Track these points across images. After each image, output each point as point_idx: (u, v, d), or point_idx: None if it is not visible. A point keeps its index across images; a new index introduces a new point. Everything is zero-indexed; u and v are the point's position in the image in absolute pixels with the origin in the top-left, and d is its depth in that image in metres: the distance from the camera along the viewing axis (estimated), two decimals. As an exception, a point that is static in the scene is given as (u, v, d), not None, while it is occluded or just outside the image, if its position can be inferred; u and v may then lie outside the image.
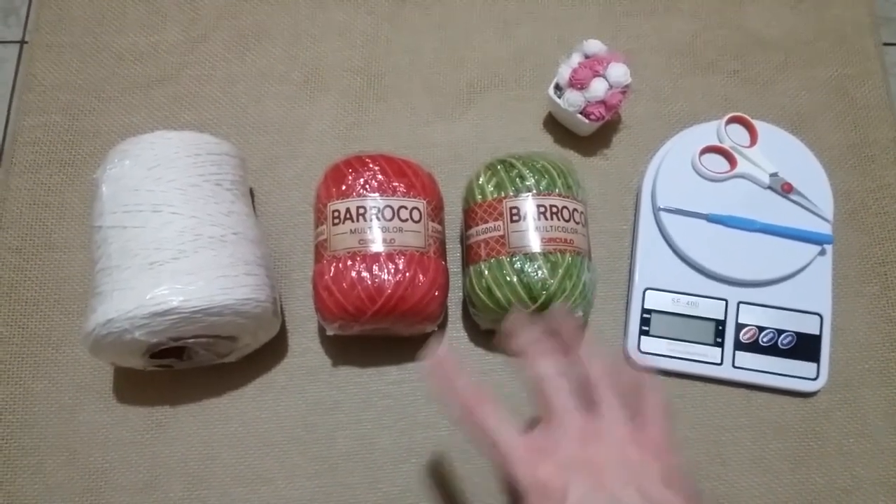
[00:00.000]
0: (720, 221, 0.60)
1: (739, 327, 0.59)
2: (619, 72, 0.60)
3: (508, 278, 0.52)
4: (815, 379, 0.58)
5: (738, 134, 0.63)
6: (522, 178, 0.55)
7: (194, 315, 0.48)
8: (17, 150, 0.66)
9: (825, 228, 0.60)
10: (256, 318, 0.52)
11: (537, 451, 0.36)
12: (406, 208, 0.54)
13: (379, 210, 0.53)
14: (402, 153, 0.58)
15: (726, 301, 0.59)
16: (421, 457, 0.58)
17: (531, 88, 0.69)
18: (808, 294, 0.60)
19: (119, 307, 0.48)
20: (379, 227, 0.53)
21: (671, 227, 0.60)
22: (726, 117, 0.62)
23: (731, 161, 0.61)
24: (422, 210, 0.54)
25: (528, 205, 0.54)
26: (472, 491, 0.57)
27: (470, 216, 0.57)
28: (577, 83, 0.61)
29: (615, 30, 0.71)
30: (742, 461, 0.58)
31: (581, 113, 0.62)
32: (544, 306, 0.52)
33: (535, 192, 0.54)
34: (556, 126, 0.68)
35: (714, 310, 0.59)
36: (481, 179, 0.57)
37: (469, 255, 0.57)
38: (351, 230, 0.53)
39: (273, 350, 0.60)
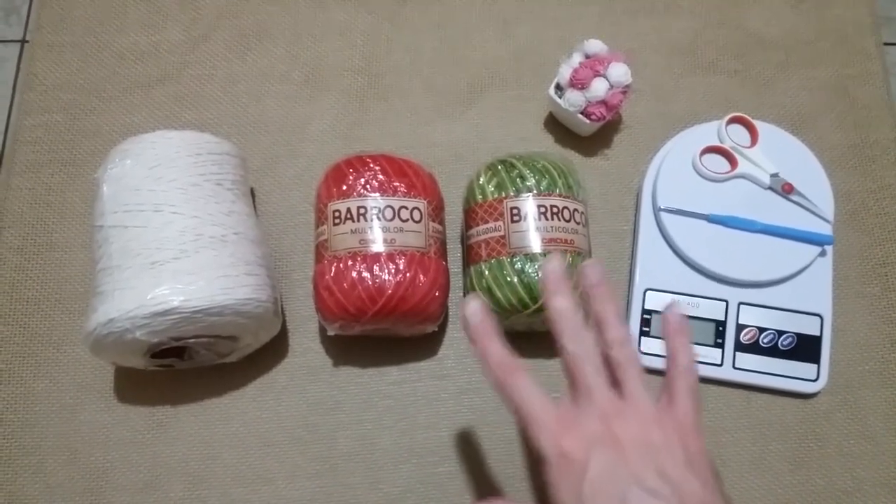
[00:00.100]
0: (721, 222, 0.60)
1: (740, 328, 0.59)
2: (619, 72, 0.60)
3: (509, 279, 0.52)
4: (815, 380, 0.58)
5: (739, 134, 0.63)
6: (523, 178, 0.55)
7: (195, 315, 0.48)
8: (18, 149, 0.66)
9: (826, 229, 0.60)
10: (257, 318, 0.52)
11: (563, 423, 0.37)
12: (407, 208, 0.54)
13: (379, 210, 0.53)
14: (403, 153, 0.58)
15: (726, 302, 0.59)
16: (421, 457, 0.58)
17: (532, 88, 0.69)
18: (809, 295, 0.60)
19: (120, 307, 0.48)
20: (379, 227, 0.53)
21: (672, 228, 0.60)
22: (727, 117, 0.62)
23: (732, 161, 0.61)
24: (422, 210, 0.54)
25: (529, 205, 0.54)
26: (472, 491, 0.57)
27: (470, 216, 0.57)
28: (578, 83, 0.61)
29: (616, 29, 0.71)
30: (742, 462, 0.58)
31: (582, 113, 0.62)
32: (544, 307, 0.52)
33: (535, 192, 0.54)
34: (556, 126, 0.68)
35: (714, 311, 0.59)
36: (482, 179, 0.57)
37: (469, 256, 0.57)
38: (352, 230, 0.53)
39: (274, 350, 0.60)
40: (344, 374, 0.60)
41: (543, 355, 0.59)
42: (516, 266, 0.52)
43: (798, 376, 0.58)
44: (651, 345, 0.58)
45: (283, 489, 0.57)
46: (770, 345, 0.58)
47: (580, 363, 0.38)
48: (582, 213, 0.56)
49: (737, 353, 0.58)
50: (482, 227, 0.55)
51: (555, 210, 0.54)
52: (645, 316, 0.59)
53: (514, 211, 0.54)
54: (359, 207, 0.53)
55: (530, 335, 0.56)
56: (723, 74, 0.70)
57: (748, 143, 0.62)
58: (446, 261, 0.57)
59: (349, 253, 0.52)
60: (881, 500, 0.57)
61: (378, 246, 0.52)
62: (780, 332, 0.59)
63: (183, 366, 0.56)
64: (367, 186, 0.54)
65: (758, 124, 0.62)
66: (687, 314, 0.58)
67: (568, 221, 0.54)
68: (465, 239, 0.59)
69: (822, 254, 0.60)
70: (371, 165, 0.55)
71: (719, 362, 0.58)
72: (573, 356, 0.39)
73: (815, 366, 0.58)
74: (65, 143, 0.66)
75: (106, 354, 0.52)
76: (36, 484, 0.57)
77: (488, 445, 0.58)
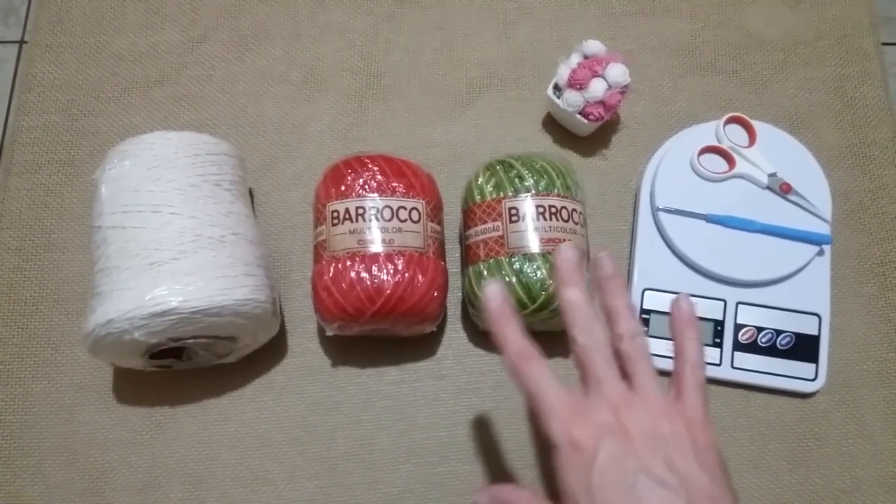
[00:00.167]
0: (719, 222, 0.60)
1: (738, 328, 0.59)
2: (617, 72, 0.60)
3: (507, 279, 0.52)
4: (813, 379, 0.58)
5: (737, 134, 0.63)
6: (521, 178, 0.55)
7: (193, 315, 0.48)
8: (16, 150, 0.66)
9: (824, 229, 0.60)
10: (256, 318, 0.52)
11: (575, 412, 0.37)
12: (405, 209, 0.54)
13: (378, 210, 0.53)
14: (402, 153, 0.58)
15: (725, 301, 0.59)
16: (420, 457, 0.58)
17: (530, 89, 0.69)
18: (807, 294, 0.60)
19: (118, 308, 0.48)
20: (378, 228, 0.53)
21: (670, 228, 0.60)
22: (725, 117, 0.62)
23: (730, 161, 0.61)
24: (421, 210, 0.54)
25: (527, 205, 0.54)
26: (471, 491, 0.57)
27: (469, 216, 0.57)
28: (576, 83, 0.61)
29: (614, 30, 0.71)
30: (741, 462, 0.58)
31: (580, 113, 0.62)
32: (543, 307, 0.52)
33: (533, 192, 0.54)
34: (555, 126, 0.68)
35: (713, 310, 0.59)
36: (480, 180, 0.57)
37: (468, 256, 0.57)
38: (350, 230, 0.53)
39: (272, 350, 0.60)
40: (342, 374, 0.60)
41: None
42: (514, 266, 0.52)
43: (796, 376, 0.58)
44: (650, 345, 0.58)
45: (282, 489, 0.57)
46: (768, 344, 0.58)
47: (590, 354, 0.39)
48: (580, 213, 0.56)
49: (735, 353, 0.58)
50: (480, 227, 0.55)
51: (553, 210, 0.54)
52: (643, 316, 0.59)
53: (513, 211, 0.54)
54: (357, 208, 0.53)
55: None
56: (721, 75, 0.70)
57: (746, 143, 0.62)
58: (445, 261, 0.57)
59: (348, 253, 0.52)
60: (880, 499, 0.57)
61: (376, 246, 0.52)
62: (779, 332, 0.59)
63: (181, 366, 0.56)
64: (366, 187, 0.54)
65: (756, 124, 0.62)
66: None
67: (566, 221, 0.54)
68: (463, 239, 0.59)
69: (820, 253, 0.60)
70: (369, 166, 0.55)
71: (718, 362, 0.58)
72: (583, 347, 0.39)
73: (814, 365, 0.58)
74: (63, 144, 0.66)
75: (104, 355, 0.52)
76: (35, 485, 0.57)
77: (488, 445, 0.58)
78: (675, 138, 0.64)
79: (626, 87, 0.61)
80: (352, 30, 0.71)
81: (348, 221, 0.53)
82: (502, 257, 0.53)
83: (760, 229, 0.59)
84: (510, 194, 0.54)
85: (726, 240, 0.59)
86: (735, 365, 0.58)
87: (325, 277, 0.52)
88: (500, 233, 0.54)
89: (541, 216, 0.53)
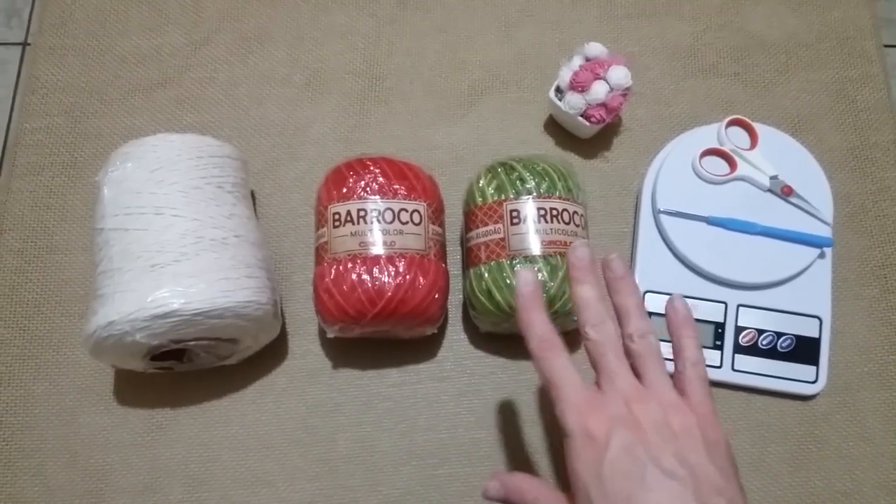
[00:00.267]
0: (720, 224, 0.60)
1: (739, 330, 0.59)
2: (619, 74, 0.60)
3: (508, 281, 0.52)
4: (814, 382, 0.58)
5: (739, 136, 0.63)
6: (523, 180, 0.55)
7: (195, 317, 0.48)
8: (19, 152, 0.66)
9: (825, 231, 0.60)
10: (257, 320, 0.52)
11: (589, 404, 0.38)
12: (407, 211, 0.54)
13: (379, 212, 0.53)
14: (403, 156, 0.58)
15: (726, 304, 0.59)
16: (421, 459, 0.58)
17: (532, 91, 0.69)
18: (808, 297, 0.60)
19: (120, 309, 0.48)
20: (379, 230, 0.53)
21: (671, 230, 0.60)
22: (726, 120, 0.62)
23: (732, 164, 0.61)
24: (422, 213, 0.54)
25: (529, 207, 0.54)
26: (471, 492, 0.57)
27: (470, 219, 0.57)
28: (578, 86, 0.61)
29: (616, 32, 0.71)
30: (741, 464, 0.57)
31: (582, 115, 0.62)
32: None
33: (535, 194, 0.54)
34: (556, 128, 0.68)
35: (713, 312, 0.59)
36: (482, 182, 0.57)
37: (469, 258, 0.57)
38: (351, 233, 0.53)
39: (273, 352, 0.60)
40: (343, 376, 0.60)
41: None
42: (516, 268, 0.52)
43: (797, 378, 0.58)
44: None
45: (282, 491, 0.57)
46: (769, 347, 0.58)
47: (603, 350, 0.40)
48: (581, 215, 0.56)
49: (736, 356, 0.58)
50: (482, 229, 0.55)
51: (554, 212, 0.54)
52: (644, 318, 0.59)
53: (514, 213, 0.54)
54: (359, 210, 0.53)
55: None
56: (723, 77, 0.70)
57: (748, 146, 0.62)
58: (446, 263, 0.57)
59: (349, 255, 0.52)
60: (880, 501, 0.57)
61: (378, 248, 0.52)
62: (780, 334, 0.59)
63: (182, 368, 0.56)
64: (368, 189, 0.54)
65: (757, 127, 0.62)
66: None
67: (567, 224, 0.54)
68: (464, 241, 0.59)
69: (822, 256, 0.60)
70: (371, 168, 0.55)
71: (718, 364, 0.58)
72: (595, 343, 0.40)
73: (814, 368, 0.58)
74: (66, 146, 0.66)
75: (106, 357, 0.52)
76: (35, 486, 0.57)
77: (488, 447, 0.58)
78: (677, 141, 0.64)
79: (627, 89, 0.61)
80: (354, 32, 0.71)
81: (350, 223, 0.53)
82: (503, 259, 0.53)
83: (762, 232, 0.59)
84: (511, 196, 0.55)
85: (727, 242, 0.59)
86: (736, 367, 0.58)
87: (327, 279, 0.52)
88: (501, 235, 0.54)
89: (542, 218, 0.53)
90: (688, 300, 0.58)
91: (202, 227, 0.51)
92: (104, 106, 0.68)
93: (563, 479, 0.40)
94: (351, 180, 0.55)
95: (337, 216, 0.54)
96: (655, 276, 0.60)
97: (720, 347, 0.58)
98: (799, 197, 0.60)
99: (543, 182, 0.55)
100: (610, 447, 0.36)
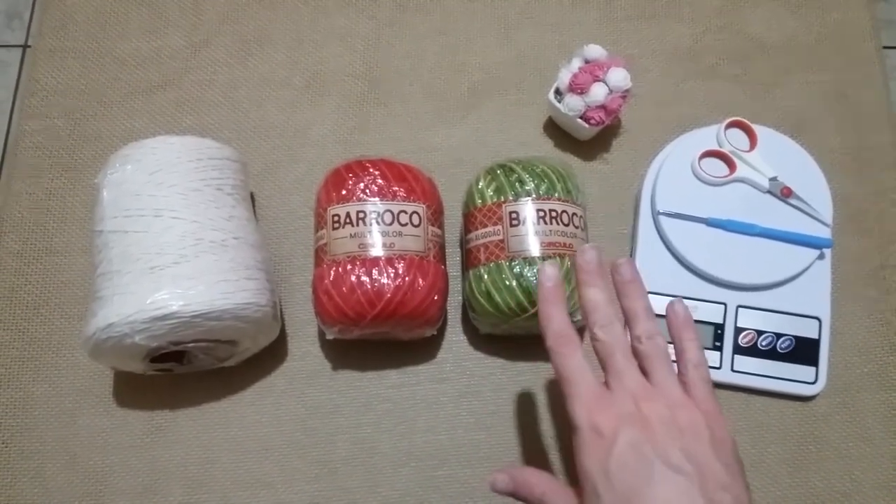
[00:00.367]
0: (719, 225, 0.60)
1: (738, 331, 0.59)
2: (619, 76, 0.61)
3: (508, 283, 0.52)
4: (813, 383, 0.58)
5: (738, 138, 0.63)
6: (522, 182, 0.55)
7: (194, 319, 0.48)
8: (18, 154, 0.66)
9: (824, 232, 0.60)
10: (256, 322, 0.52)
11: (599, 400, 0.39)
12: (406, 213, 0.54)
13: (379, 214, 0.53)
14: (403, 157, 0.58)
15: (725, 305, 0.59)
16: (420, 460, 0.58)
17: (531, 93, 0.69)
18: (807, 298, 0.60)
19: (119, 311, 0.48)
20: (379, 232, 0.53)
21: (670, 231, 0.60)
22: (726, 121, 0.62)
23: (731, 165, 0.62)
24: (422, 214, 0.55)
25: (528, 209, 0.54)
26: (471, 493, 0.57)
27: (469, 220, 0.57)
28: (578, 88, 0.61)
29: (615, 34, 0.72)
30: (742, 465, 0.58)
31: (581, 117, 0.62)
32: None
33: (534, 196, 0.54)
34: (556, 130, 0.68)
35: (713, 313, 0.59)
36: (481, 184, 0.57)
37: (468, 260, 0.57)
38: (351, 234, 0.53)
39: (273, 354, 0.60)
40: (343, 377, 0.60)
41: (542, 358, 0.59)
42: (515, 270, 0.52)
43: (796, 379, 0.58)
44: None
45: (281, 493, 0.57)
46: (769, 348, 0.58)
47: (611, 350, 0.41)
48: (581, 217, 0.56)
49: (735, 356, 0.58)
50: (481, 231, 0.55)
51: (554, 214, 0.54)
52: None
53: (513, 215, 0.54)
54: (358, 212, 0.53)
55: (529, 338, 0.56)
56: (722, 79, 0.70)
57: (747, 147, 0.62)
58: (445, 265, 0.57)
59: (348, 257, 0.52)
60: (879, 502, 0.57)
61: (377, 250, 0.52)
62: (779, 335, 0.59)
63: (182, 370, 0.56)
64: (367, 191, 0.54)
65: (756, 128, 0.62)
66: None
67: (567, 225, 0.54)
68: (464, 243, 0.59)
69: (821, 257, 0.60)
70: (371, 170, 0.55)
71: (718, 365, 0.58)
72: (604, 344, 0.41)
73: (814, 369, 0.58)
74: (66, 148, 0.66)
75: (105, 359, 0.52)
76: (35, 488, 0.57)
77: (487, 448, 0.58)
78: (676, 142, 0.64)
79: (627, 91, 0.61)
80: (354, 34, 0.71)
81: (349, 225, 0.53)
82: (503, 261, 0.53)
83: (761, 233, 0.59)
84: (511, 198, 0.55)
85: (727, 243, 0.59)
86: (735, 368, 0.58)
87: (326, 281, 0.52)
88: (500, 237, 0.54)
89: (541, 220, 0.54)
90: (687, 301, 0.59)
91: (201, 229, 0.51)
92: (104, 108, 0.68)
93: (570, 476, 0.40)
94: (350, 182, 0.55)
95: (336, 218, 0.54)
96: (655, 278, 0.60)
97: (720, 348, 0.58)
98: (798, 198, 0.60)
99: (543, 184, 0.55)
100: (618, 442, 0.37)
